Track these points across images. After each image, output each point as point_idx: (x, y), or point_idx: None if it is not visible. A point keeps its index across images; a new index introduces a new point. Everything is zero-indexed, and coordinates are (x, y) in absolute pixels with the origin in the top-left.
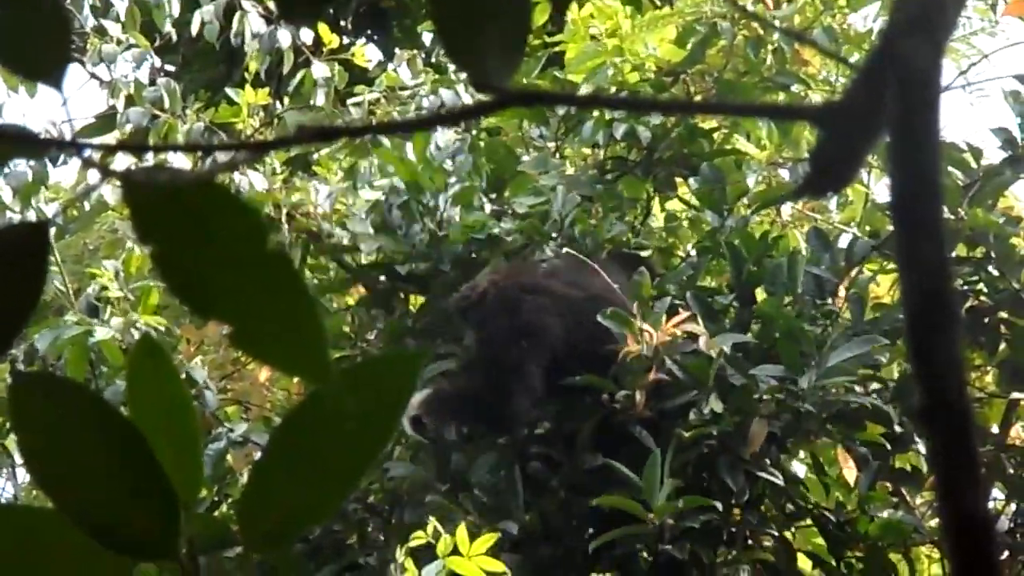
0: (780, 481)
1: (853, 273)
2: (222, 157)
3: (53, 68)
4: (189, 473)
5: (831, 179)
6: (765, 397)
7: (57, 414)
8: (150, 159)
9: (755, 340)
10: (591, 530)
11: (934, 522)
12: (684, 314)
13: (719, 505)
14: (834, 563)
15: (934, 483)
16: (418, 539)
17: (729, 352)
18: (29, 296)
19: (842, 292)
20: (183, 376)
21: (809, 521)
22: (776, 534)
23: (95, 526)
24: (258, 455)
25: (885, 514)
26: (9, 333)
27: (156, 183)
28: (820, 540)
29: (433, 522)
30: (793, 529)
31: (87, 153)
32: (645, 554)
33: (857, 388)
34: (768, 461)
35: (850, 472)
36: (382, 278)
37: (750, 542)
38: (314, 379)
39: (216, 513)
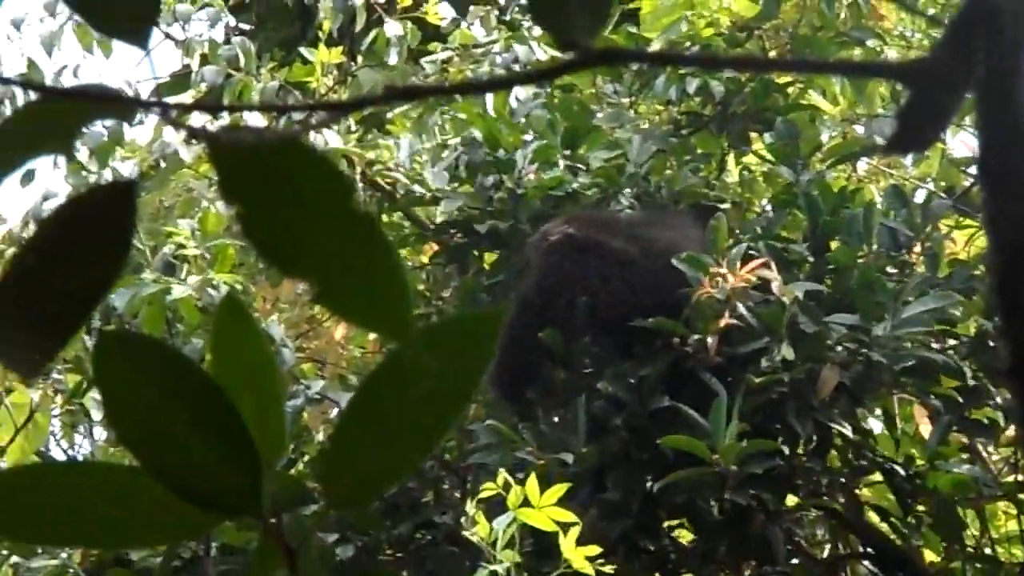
0: (848, 431)
1: (928, 229)
2: (297, 116)
3: (139, 27)
4: (272, 431)
5: (917, 137)
6: (837, 347)
7: (141, 372)
8: (226, 118)
9: (828, 290)
10: (652, 475)
11: (1011, 478)
12: (759, 260)
13: (785, 449)
14: (903, 517)
15: (1016, 438)
16: (488, 490)
17: (802, 300)
18: (116, 258)
19: (917, 249)
20: None
21: (878, 476)
22: (844, 483)
23: (179, 483)
24: (334, 412)
25: (958, 469)
26: (96, 295)
27: (242, 143)
28: (890, 495)
29: (503, 473)
30: (863, 484)
31: (170, 113)
32: (712, 501)
33: (932, 343)
34: (838, 412)
35: (926, 427)
36: (458, 235)
37: (820, 493)
38: (396, 336)
39: (292, 471)
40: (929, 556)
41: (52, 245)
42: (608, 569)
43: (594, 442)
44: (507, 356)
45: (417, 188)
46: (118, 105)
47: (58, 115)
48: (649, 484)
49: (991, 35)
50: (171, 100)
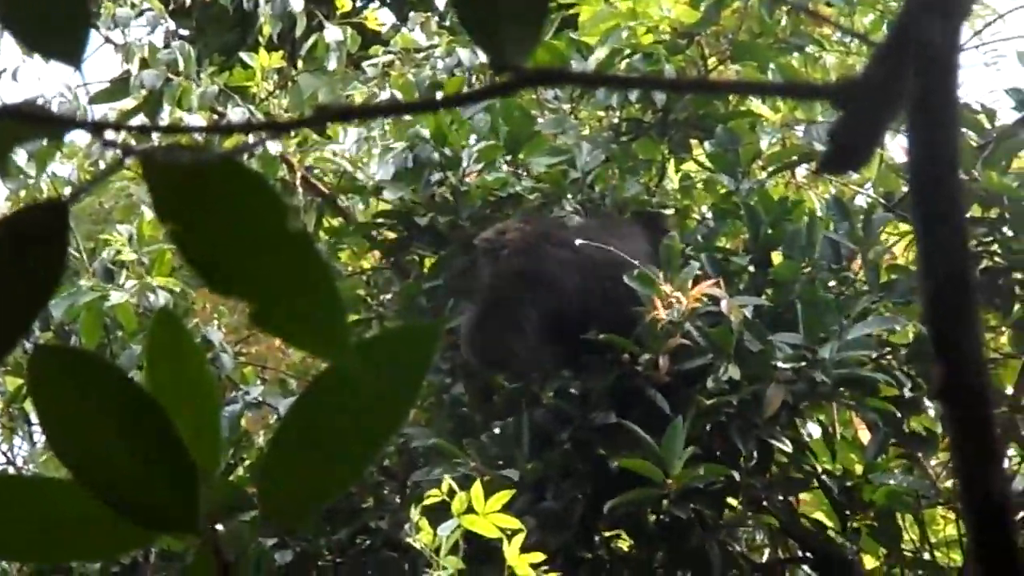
0: (788, 448)
1: (870, 241)
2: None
3: (70, 46)
4: (208, 444)
5: (850, 157)
6: (781, 365)
7: (76, 386)
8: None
9: (770, 303)
10: (593, 487)
11: (949, 483)
12: (710, 280)
13: (736, 475)
14: (840, 528)
15: (952, 461)
16: (433, 497)
17: (748, 317)
18: (49, 279)
19: (858, 261)
20: (199, 339)
21: (816, 485)
22: (782, 498)
23: (114, 498)
24: (274, 418)
25: (893, 481)
26: (28, 318)
27: (175, 161)
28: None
29: (448, 480)
30: (803, 494)
31: (103, 130)
32: (649, 512)
33: (872, 353)
34: (779, 427)
35: (865, 434)
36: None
37: (759, 505)
38: (334, 357)
39: (232, 476)
40: (869, 561)
41: None
42: None
43: (537, 456)
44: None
45: (360, 176)
46: (49, 124)
47: None
48: (590, 495)
49: (920, 61)
50: (111, 105)
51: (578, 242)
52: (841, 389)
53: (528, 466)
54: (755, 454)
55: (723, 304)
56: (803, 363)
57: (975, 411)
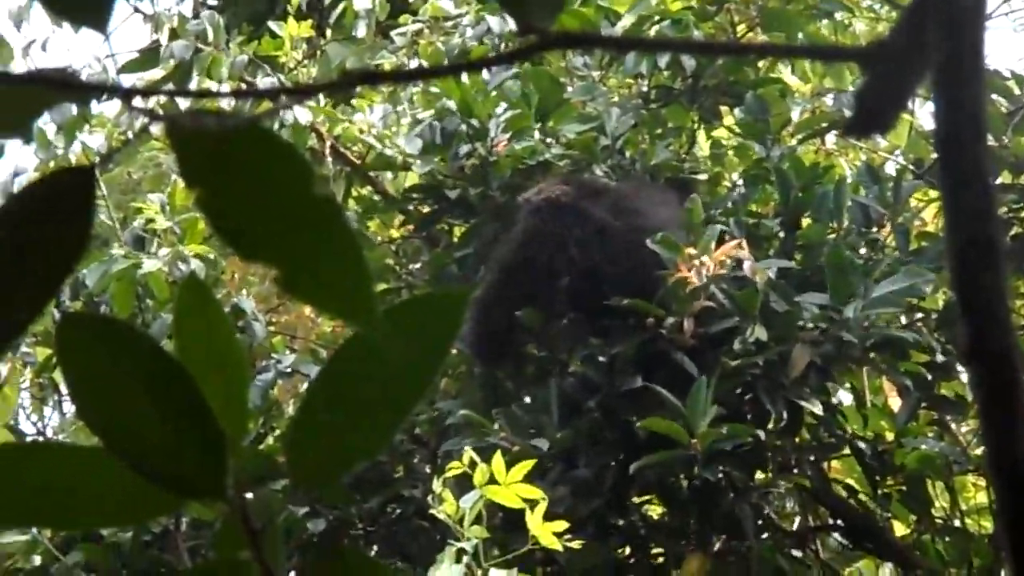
0: (819, 410)
1: (899, 206)
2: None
3: (97, 10)
4: (236, 412)
5: (876, 119)
6: (808, 325)
7: (104, 353)
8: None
9: (799, 266)
10: (623, 454)
11: (980, 450)
12: (733, 241)
13: (761, 433)
14: (871, 492)
15: (980, 425)
16: (455, 468)
17: (774, 279)
18: (76, 244)
19: (887, 227)
20: (230, 308)
21: (847, 451)
22: (812, 460)
23: (142, 464)
24: (305, 387)
25: (925, 446)
26: (56, 282)
27: (201, 127)
28: (858, 470)
29: (469, 452)
30: (833, 459)
31: (132, 97)
32: (682, 477)
33: (901, 318)
34: (809, 390)
35: (895, 400)
36: (428, 202)
37: (790, 469)
38: (360, 322)
39: (262, 445)
40: (899, 528)
41: (13, 228)
42: (576, 545)
43: (566, 424)
44: (486, 320)
45: (388, 151)
46: (77, 90)
47: (16, 100)
48: (620, 461)
49: (946, 23)
50: (140, 76)
51: (610, 204)
52: (872, 354)
53: (558, 435)
54: (784, 416)
55: (746, 266)
56: (829, 323)
57: (1002, 374)
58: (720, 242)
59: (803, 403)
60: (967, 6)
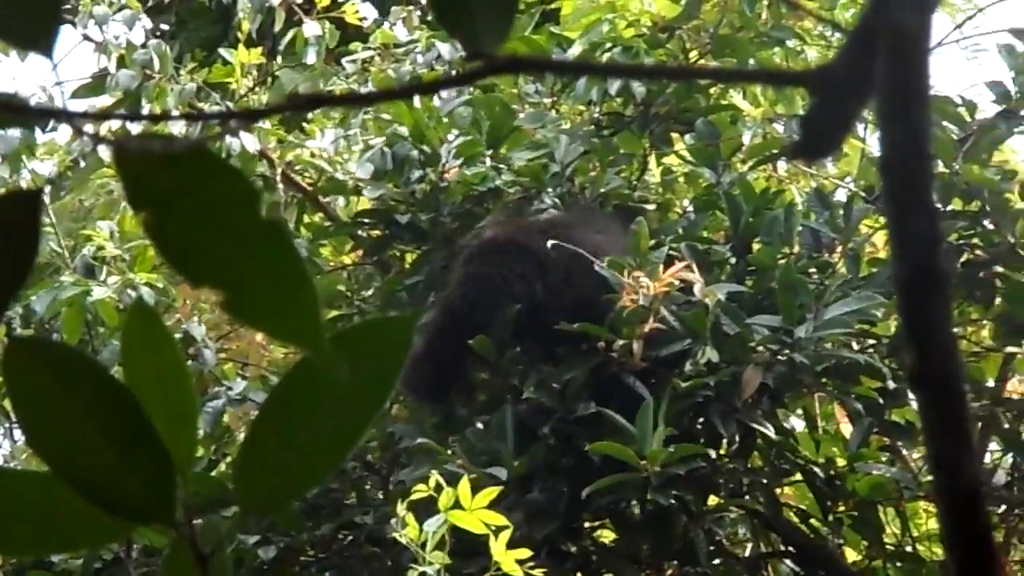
0: (771, 432)
1: (850, 230)
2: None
3: (43, 37)
4: (185, 439)
5: (822, 143)
6: (759, 347)
7: (53, 379)
8: (140, 125)
9: (750, 291)
10: (578, 479)
11: (930, 476)
12: (681, 263)
13: (712, 452)
14: (823, 518)
15: (925, 448)
16: (420, 492)
17: (724, 301)
18: (20, 268)
19: (838, 250)
20: (181, 334)
21: (799, 476)
22: (764, 484)
23: (91, 490)
24: (255, 414)
25: (876, 471)
26: (2, 302)
27: (148, 151)
28: (810, 495)
29: (435, 476)
30: (785, 484)
31: (80, 122)
32: (634, 503)
33: (853, 344)
34: (761, 413)
35: (847, 426)
36: (376, 230)
37: (742, 494)
38: (307, 347)
39: (214, 472)
40: (851, 555)
41: None
42: (537, 573)
43: (522, 451)
44: (426, 361)
45: (340, 176)
46: (26, 114)
47: None
48: (575, 487)
49: (891, 47)
50: (89, 103)
51: (550, 242)
52: (823, 380)
53: (515, 463)
54: (736, 439)
55: (696, 288)
56: (780, 345)
57: (947, 400)
58: (669, 266)
59: (756, 425)
60: (912, 31)
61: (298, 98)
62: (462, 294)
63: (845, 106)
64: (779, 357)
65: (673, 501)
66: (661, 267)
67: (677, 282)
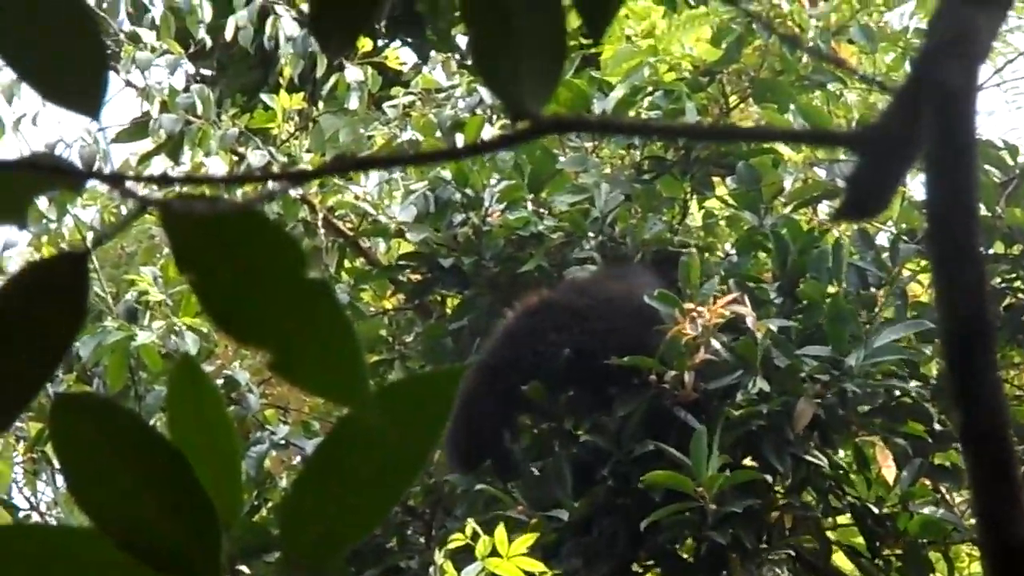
0: (824, 464)
1: (896, 270)
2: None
3: (90, 97)
4: (229, 491)
5: (869, 203)
6: (810, 378)
7: (97, 435)
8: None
9: (798, 326)
10: (637, 519)
11: (974, 520)
12: (732, 295)
13: (768, 477)
14: (872, 559)
15: (972, 504)
16: (457, 541)
17: (775, 334)
18: (71, 326)
19: (883, 292)
20: (224, 379)
21: (849, 518)
22: (816, 520)
23: (135, 545)
24: (298, 459)
25: (926, 511)
26: (52, 363)
27: (194, 212)
28: (859, 538)
29: (471, 523)
30: (833, 525)
31: (122, 183)
32: (690, 541)
33: (900, 384)
34: (813, 446)
35: (888, 471)
36: (418, 274)
37: (789, 531)
38: (351, 403)
39: (256, 517)
40: None
41: (9, 312)
42: None
43: (580, 494)
44: (462, 427)
45: (383, 218)
46: (70, 176)
47: (9, 186)
48: (633, 526)
49: (938, 104)
50: (130, 147)
51: (590, 290)
52: (874, 420)
53: (575, 505)
54: (791, 473)
55: (748, 320)
56: (831, 376)
57: (994, 455)
58: (717, 300)
59: (809, 458)
60: (958, 89)
61: (345, 159)
62: (497, 356)
63: (892, 166)
64: (830, 388)
65: (729, 539)
66: (712, 298)
67: (729, 313)
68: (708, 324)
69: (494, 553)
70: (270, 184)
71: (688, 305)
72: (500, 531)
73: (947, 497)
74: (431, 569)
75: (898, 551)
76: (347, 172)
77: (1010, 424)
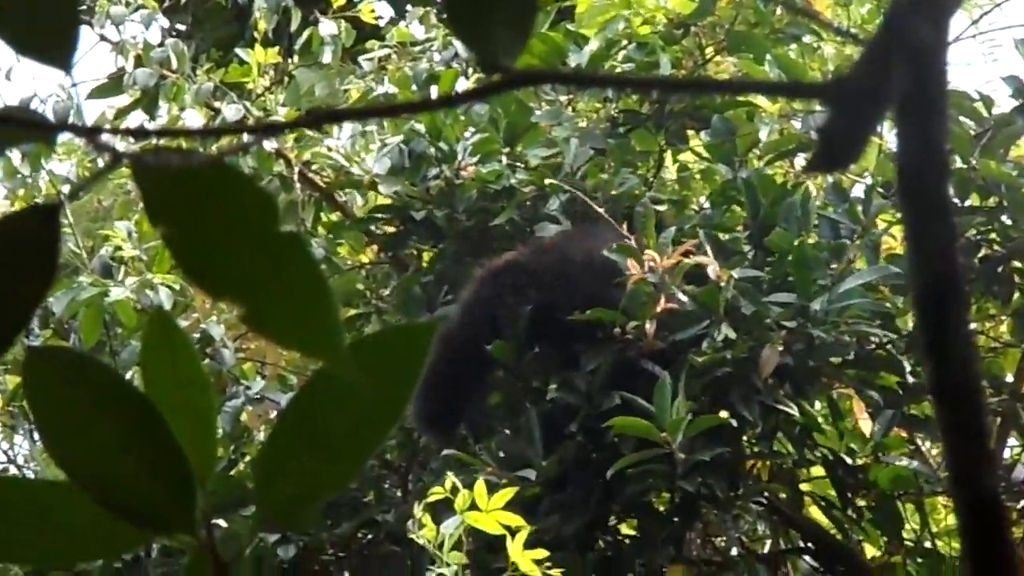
0: (795, 412)
1: (867, 223)
2: (231, 117)
3: (61, 49)
4: (204, 445)
5: (840, 155)
6: (777, 324)
7: (71, 388)
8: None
9: (768, 276)
10: (608, 472)
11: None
12: (691, 242)
13: (733, 422)
14: (843, 510)
15: (943, 456)
16: (436, 494)
17: (740, 283)
18: (40, 284)
19: (857, 243)
20: (199, 334)
21: (821, 471)
22: (790, 470)
23: (110, 499)
24: (274, 413)
25: (902, 463)
26: (22, 319)
27: (166, 165)
28: (831, 490)
29: (451, 477)
30: (808, 477)
31: (97, 135)
32: (665, 494)
33: (872, 339)
34: (783, 394)
35: (865, 423)
36: (392, 226)
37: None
38: (327, 358)
39: (233, 471)
40: (870, 551)
41: None
42: (555, 573)
43: (551, 452)
44: (432, 392)
45: (356, 170)
46: (43, 129)
47: None
48: (606, 480)
49: (909, 56)
50: (107, 103)
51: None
52: (847, 371)
53: (543, 464)
54: (760, 425)
55: (710, 270)
56: (797, 321)
57: (964, 408)
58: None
59: (779, 406)
60: (930, 39)
61: (317, 112)
62: (457, 323)
63: (863, 118)
64: (797, 335)
65: (700, 488)
66: (671, 247)
67: (687, 260)
68: (665, 270)
69: (473, 507)
70: (244, 137)
71: (648, 254)
72: (480, 485)
73: (922, 449)
74: (409, 522)
75: (870, 504)
76: (321, 124)
77: (981, 377)
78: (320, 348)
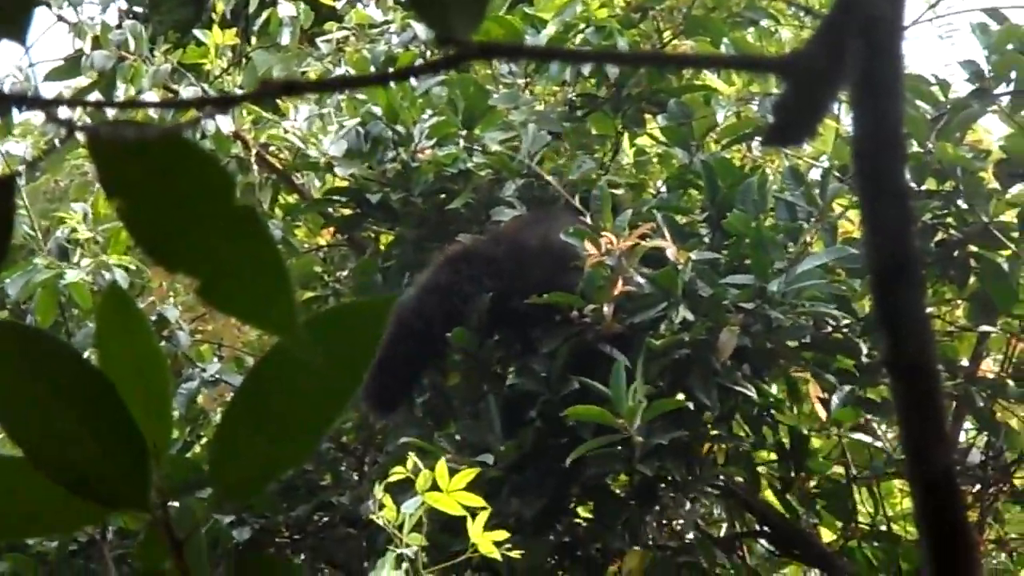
0: (753, 393)
1: (824, 206)
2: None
3: (15, 22)
4: (159, 422)
5: (795, 130)
6: (735, 306)
7: (26, 364)
8: (115, 111)
9: (726, 258)
10: (568, 458)
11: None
12: (647, 224)
13: (690, 405)
14: (794, 494)
15: (899, 435)
16: (397, 474)
17: (698, 265)
18: None
19: (809, 225)
20: (155, 316)
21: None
22: (746, 453)
23: (65, 476)
24: (230, 395)
25: (854, 436)
26: None
27: (121, 138)
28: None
29: (412, 457)
30: (765, 460)
31: (54, 108)
32: (624, 477)
33: (829, 321)
34: (741, 377)
35: (819, 406)
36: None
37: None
38: (281, 332)
39: (189, 453)
40: (826, 535)
41: None
42: (515, 554)
43: (511, 437)
44: (381, 370)
45: (313, 152)
46: (1, 101)
47: None
48: (565, 467)
49: (864, 32)
50: (65, 84)
51: (508, 236)
52: (804, 354)
53: (501, 449)
54: (718, 405)
55: (668, 252)
56: (754, 303)
57: (920, 386)
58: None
59: (737, 387)
60: (885, 15)
61: (272, 84)
62: (412, 308)
63: (818, 93)
64: (754, 316)
65: (658, 472)
66: (627, 230)
67: (644, 242)
68: (622, 252)
69: (434, 487)
70: (201, 112)
71: (605, 236)
72: (441, 465)
73: (878, 432)
74: (368, 503)
75: (820, 487)
76: (276, 97)
77: (936, 356)
78: (274, 322)
